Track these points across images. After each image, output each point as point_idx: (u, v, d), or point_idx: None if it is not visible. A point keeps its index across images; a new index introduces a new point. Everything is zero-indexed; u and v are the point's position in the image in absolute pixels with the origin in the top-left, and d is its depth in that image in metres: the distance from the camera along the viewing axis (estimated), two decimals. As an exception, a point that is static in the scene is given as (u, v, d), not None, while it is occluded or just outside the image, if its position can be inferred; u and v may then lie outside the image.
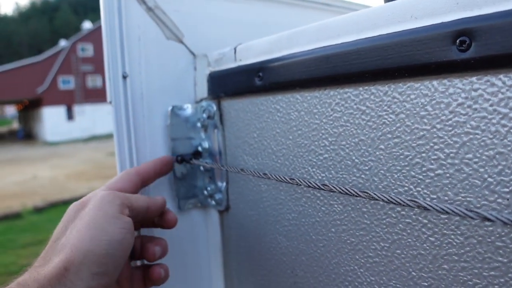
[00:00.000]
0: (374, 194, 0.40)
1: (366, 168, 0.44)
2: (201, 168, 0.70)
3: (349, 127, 0.45)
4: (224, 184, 0.68)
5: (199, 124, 0.69)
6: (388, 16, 0.40)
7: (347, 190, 0.42)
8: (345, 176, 0.46)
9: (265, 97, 0.57)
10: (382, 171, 0.42)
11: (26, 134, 29.14)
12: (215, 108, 0.66)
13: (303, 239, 0.53)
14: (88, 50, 27.25)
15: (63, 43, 28.46)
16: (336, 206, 0.48)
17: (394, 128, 0.41)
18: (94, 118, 26.11)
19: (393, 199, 0.38)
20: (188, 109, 0.70)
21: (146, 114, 0.67)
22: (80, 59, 26.80)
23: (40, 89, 25.04)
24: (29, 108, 29.04)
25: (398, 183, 0.41)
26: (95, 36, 26.88)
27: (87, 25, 29.63)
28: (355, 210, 0.45)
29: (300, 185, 0.47)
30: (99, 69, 26.81)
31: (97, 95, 26.51)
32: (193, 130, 0.70)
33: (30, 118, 29.52)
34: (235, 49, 0.61)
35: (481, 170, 0.34)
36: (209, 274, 0.75)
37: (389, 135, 0.41)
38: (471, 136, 0.35)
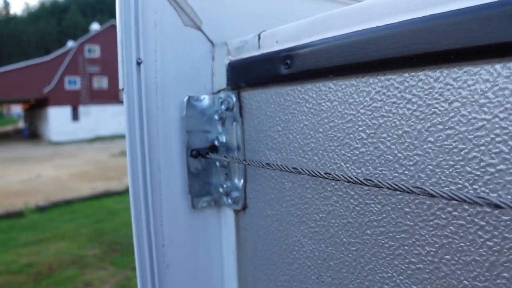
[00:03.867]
0: (378, 181, 0.37)
1: (411, 163, 0.39)
2: (217, 163, 0.65)
3: (392, 118, 0.41)
4: (242, 181, 0.63)
5: (216, 117, 0.65)
6: (443, -9, 0.36)
7: (351, 178, 0.38)
8: (385, 172, 0.41)
9: (291, 87, 0.52)
10: (430, 167, 0.38)
11: (32, 133, 29.24)
12: (234, 99, 0.61)
13: (332, 242, 0.48)
14: (95, 51, 27.45)
15: (70, 43, 28.68)
16: (373, 206, 0.43)
17: (447, 118, 0.36)
18: (98, 119, 26.22)
19: (398, 186, 0.35)
20: (205, 100, 0.65)
21: (160, 105, 0.62)
22: (86, 60, 26.96)
23: (47, 89, 25.16)
24: (35, 108, 29.19)
25: (450, 179, 0.36)
26: (102, 37, 27.10)
27: (95, 26, 29.83)
28: (396, 210, 0.41)
29: (338, 180, 0.42)
30: (105, 70, 27.00)
31: (103, 96, 26.67)
32: (209, 123, 0.66)
33: (35, 118, 29.65)
34: (259, 35, 0.57)
35: (557, 165, 0.30)
36: (222, 278, 0.70)
37: (440, 126, 0.37)
38: (545, 125, 0.30)
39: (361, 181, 0.39)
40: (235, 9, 0.69)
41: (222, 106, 0.63)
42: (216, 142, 0.65)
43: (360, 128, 0.44)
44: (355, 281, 0.46)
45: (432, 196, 0.35)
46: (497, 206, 0.30)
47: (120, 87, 0.59)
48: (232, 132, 0.64)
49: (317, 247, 0.51)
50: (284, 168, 0.48)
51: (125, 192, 9.90)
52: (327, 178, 0.43)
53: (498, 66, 0.33)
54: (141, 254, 0.61)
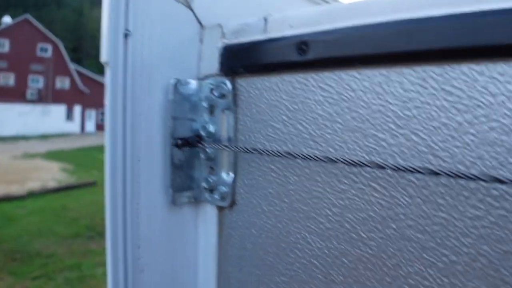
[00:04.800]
0: (380, 163, 0.39)
1: (448, 154, 0.39)
2: (202, 155, 0.60)
3: (428, 109, 0.40)
4: (231, 175, 0.58)
5: (204, 104, 0.59)
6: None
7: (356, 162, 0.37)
8: (417, 163, 0.41)
9: (304, 74, 0.49)
10: (470, 158, 0.38)
11: None
12: (230, 86, 0.56)
13: (347, 238, 0.46)
14: (4, 46, 24.26)
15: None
16: (401, 198, 0.42)
17: (490, 110, 0.37)
18: (2, 118, 23.16)
19: (403, 167, 0.36)
20: (192, 85, 0.59)
21: (145, 85, 0.55)
22: (-6, 55, 23.67)
23: None
24: None
25: (491, 171, 0.37)
26: (13, 32, 24.12)
27: (6, 19, 26.41)
28: (428, 202, 0.40)
29: (367, 166, 0.40)
30: (13, 67, 24.03)
31: (8, 94, 23.64)
32: (194, 110, 0.60)
33: None
34: (265, 19, 0.53)
35: None
36: (198, 282, 0.63)
37: (483, 119, 0.37)
38: None
39: (396, 166, 0.38)
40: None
41: (215, 93, 0.57)
42: (202, 132, 0.59)
43: (389, 119, 0.43)
44: (373, 278, 0.45)
45: (471, 179, 0.35)
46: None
47: (103, 60, 0.50)
48: (222, 122, 0.58)
49: (327, 244, 0.48)
50: (299, 155, 0.45)
51: (27, 196, 8.83)
52: (353, 165, 0.41)
53: (543, 63, 0.34)
54: (115, 257, 0.53)
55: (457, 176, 0.36)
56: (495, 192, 0.37)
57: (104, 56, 0.50)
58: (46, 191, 10.04)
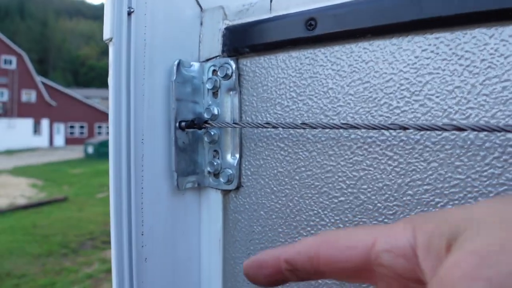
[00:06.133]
0: (405, 124, 0.41)
1: (463, 117, 0.40)
2: (206, 139, 0.58)
3: (440, 74, 0.41)
4: (237, 157, 0.57)
5: (208, 86, 0.58)
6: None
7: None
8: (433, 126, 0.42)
9: (313, 49, 0.50)
10: (485, 118, 0.39)
11: None
12: (234, 66, 0.56)
13: (362, 209, 0.47)
14: None
15: None
16: (417, 164, 0.43)
17: (503, 71, 0.38)
18: None
19: (426, 126, 0.37)
20: (194, 67, 0.58)
21: (147, 65, 0.53)
22: None
23: None
24: None
25: (507, 129, 0.38)
26: None
27: None
28: (445, 165, 0.41)
29: (385, 128, 0.41)
30: None
31: None
32: (198, 93, 0.59)
33: None
34: (270, -3, 0.54)
35: None
36: (202, 270, 0.62)
37: (496, 79, 0.38)
38: None
39: (420, 126, 0.38)
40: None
41: (219, 74, 0.57)
42: (206, 115, 0.58)
43: (403, 87, 0.43)
44: (390, 246, 0.45)
45: (495, 130, 0.36)
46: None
47: (107, 36, 0.49)
48: (227, 103, 0.58)
49: (342, 218, 0.48)
50: (310, 125, 0.45)
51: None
52: (374, 128, 0.42)
53: (552, 23, 0.36)
54: (119, 245, 0.50)
55: (481, 129, 0.37)
56: (510, 149, 0.38)
57: (107, 33, 0.49)
58: (15, 208, 9.63)
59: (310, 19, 0.49)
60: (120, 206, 0.51)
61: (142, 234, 0.54)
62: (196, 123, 0.55)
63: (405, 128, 0.40)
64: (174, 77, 0.55)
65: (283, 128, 0.49)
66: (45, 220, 8.57)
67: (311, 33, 0.49)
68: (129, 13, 0.50)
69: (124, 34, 0.49)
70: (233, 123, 0.56)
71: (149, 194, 0.55)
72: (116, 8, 0.49)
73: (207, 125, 0.55)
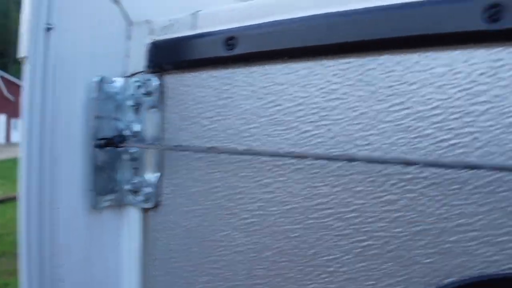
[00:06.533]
0: (303, 153, 0.41)
1: (366, 142, 0.41)
2: (126, 156, 0.57)
3: (348, 100, 0.42)
4: (157, 176, 0.56)
5: (130, 103, 0.57)
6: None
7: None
8: (337, 153, 0.42)
9: (232, 69, 0.50)
10: (386, 145, 0.40)
11: None
12: (157, 82, 0.55)
13: (269, 231, 0.46)
14: None
15: None
16: (322, 188, 0.43)
17: (406, 98, 0.39)
18: None
19: (325, 156, 0.38)
20: (117, 83, 0.57)
21: (65, 82, 0.52)
22: None
23: None
24: None
25: (403, 155, 0.39)
26: None
27: None
28: (347, 190, 0.41)
29: (306, 158, 0.41)
30: None
31: None
32: (119, 109, 0.57)
33: None
34: (195, 14, 0.54)
35: None
36: (118, 292, 0.59)
37: (399, 106, 0.40)
38: None
39: (320, 156, 0.39)
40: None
41: (141, 90, 0.56)
42: (127, 132, 0.57)
43: (313, 111, 0.44)
44: (294, 269, 0.44)
45: (387, 163, 0.37)
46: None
47: (21, 54, 0.47)
48: (148, 120, 0.56)
49: (251, 239, 0.48)
50: (220, 150, 0.45)
51: None
52: (282, 156, 0.42)
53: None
54: (31, 266, 0.48)
55: (374, 161, 0.38)
56: (407, 176, 0.39)
57: (22, 51, 0.47)
58: (-37, 210, 8.98)
59: (230, 38, 0.49)
60: (31, 226, 0.48)
61: (58, 255, 0.51)
62: (115, 142, 0.53)
63: (304, 157, 0.40)
64: (93, 94, 0.54)
65: (193, 152, 0.48)
66: (-3, 222, 8.04)
67: (230, 53, 0.49)
68: (48, 29, 0.49)
69: (40, 51, 0.48)
70: (147, 144, 0.55)
71: (65, 213, 0.52)
72: (33, 25, 0.47)
73: (122, 144, 0.54)
